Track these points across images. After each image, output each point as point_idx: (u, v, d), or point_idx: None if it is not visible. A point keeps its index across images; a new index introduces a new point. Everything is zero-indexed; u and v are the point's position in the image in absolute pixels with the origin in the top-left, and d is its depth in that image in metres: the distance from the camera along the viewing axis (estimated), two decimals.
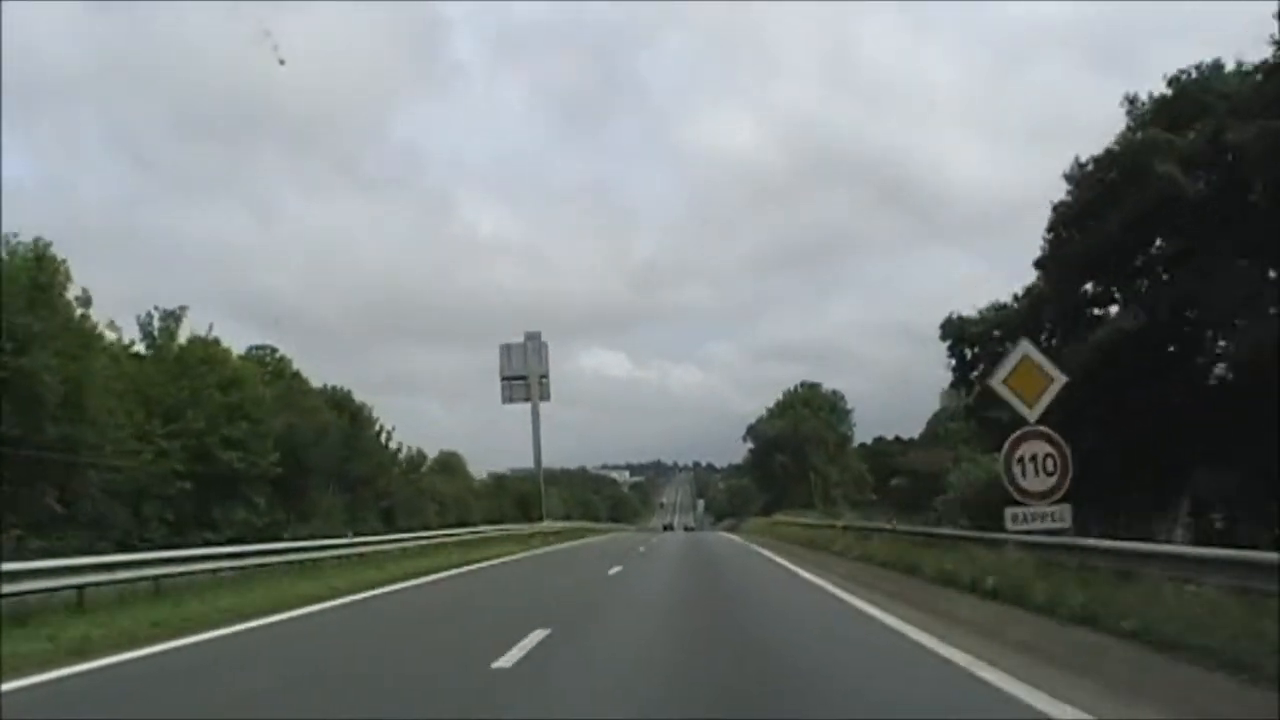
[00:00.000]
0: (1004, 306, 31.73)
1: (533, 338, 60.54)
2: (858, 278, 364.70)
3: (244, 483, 35.36)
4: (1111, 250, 26.62)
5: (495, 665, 8.30)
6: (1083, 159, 28.14)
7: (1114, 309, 28.86)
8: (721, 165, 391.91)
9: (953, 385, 36.76)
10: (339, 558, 25.05)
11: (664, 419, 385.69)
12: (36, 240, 27.55)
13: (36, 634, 10.57)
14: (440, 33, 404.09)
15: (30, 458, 24.54)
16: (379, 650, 10.66)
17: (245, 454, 35.15)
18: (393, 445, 56.74)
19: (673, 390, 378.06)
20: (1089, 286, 29.20)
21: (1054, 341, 27.67)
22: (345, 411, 48.61)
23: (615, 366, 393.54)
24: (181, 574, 16.60)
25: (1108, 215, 26.34)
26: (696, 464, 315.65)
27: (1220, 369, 26.11)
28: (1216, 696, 6.60)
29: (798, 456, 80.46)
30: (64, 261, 27.92)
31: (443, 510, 64.52)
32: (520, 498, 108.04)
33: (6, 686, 7.52)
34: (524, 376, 57.62)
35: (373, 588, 18.85)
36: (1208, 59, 26.47)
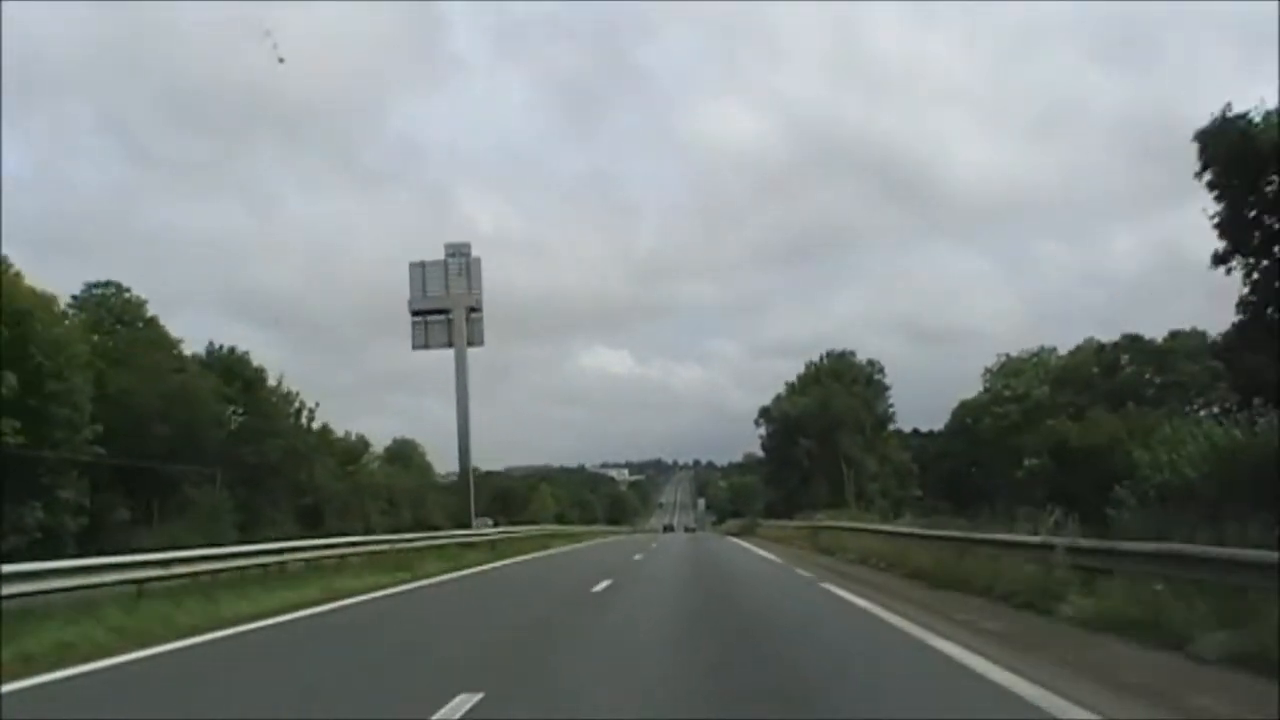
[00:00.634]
0: None
1: (458, 252, 39.21)
2: (861, 272, 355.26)
3: (44, 470, 23.76)
4: None
5: None
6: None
7: None
8: (724, 158, 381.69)
9: (1222, 256, 24.99)
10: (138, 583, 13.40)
11: (664, 417, 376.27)
12: None
13: None
14: (439, 24, 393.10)
15: None
16: None
17: (48, 424, 23.59)
18: (337, 433, 45.49)
19: (674, 388, 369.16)
20: None
21: None
22: (237, 380, 36.69)
23: (616, 364, 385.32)
24: None
25: None
26: (697, 462, 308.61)
27: None
28: None
29: (827, 442, 61.75)
30: None
31: (393, 509, 53.08)
32: (500, 494, 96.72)
33: None
34: (445, 310, 35.35)
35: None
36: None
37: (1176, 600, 8.33)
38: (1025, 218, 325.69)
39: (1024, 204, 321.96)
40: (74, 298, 28.96)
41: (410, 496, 57.87)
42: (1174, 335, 52.30)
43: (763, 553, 31.74)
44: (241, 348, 37.02)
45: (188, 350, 35.79)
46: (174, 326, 36.92)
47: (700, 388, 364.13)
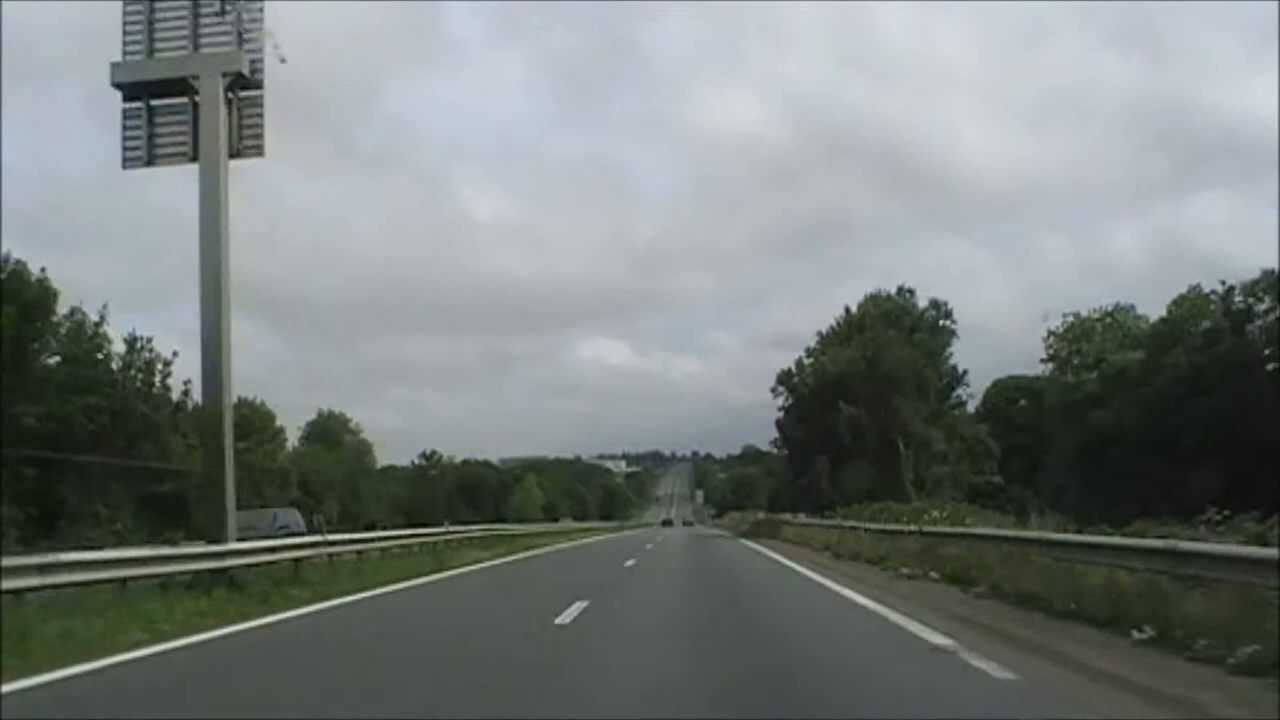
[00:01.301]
0: None
1: None
2: (862, 264, 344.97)
3: None
4: None
5: None
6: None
7: None
8: (726, 146, 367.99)
9: None
10: None
11: (663, 409, 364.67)
12: None
13: None
14: (437, 5, 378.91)
15: None
16: None
17: None
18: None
19: (672, 380, 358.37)
20: None
21: None
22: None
23: (614, 355, 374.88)
24: None
25: None
26: (695, 454, 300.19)
27: None
28: None
29: (877, 409, 44.70)
30: None
31: (313, 500, 41.05)
32: (469, 485, 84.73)
33: None
34: (184, 85, 14.18)
35: None
36: None
37: None
38: (1028, 209, 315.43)
39: (1028, 195, 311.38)
40: None
41: (341, 485, 45.82)
42: None
43: (812, 575, 18.68)
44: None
45: None
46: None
47: (699, 380, 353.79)
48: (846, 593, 14.23)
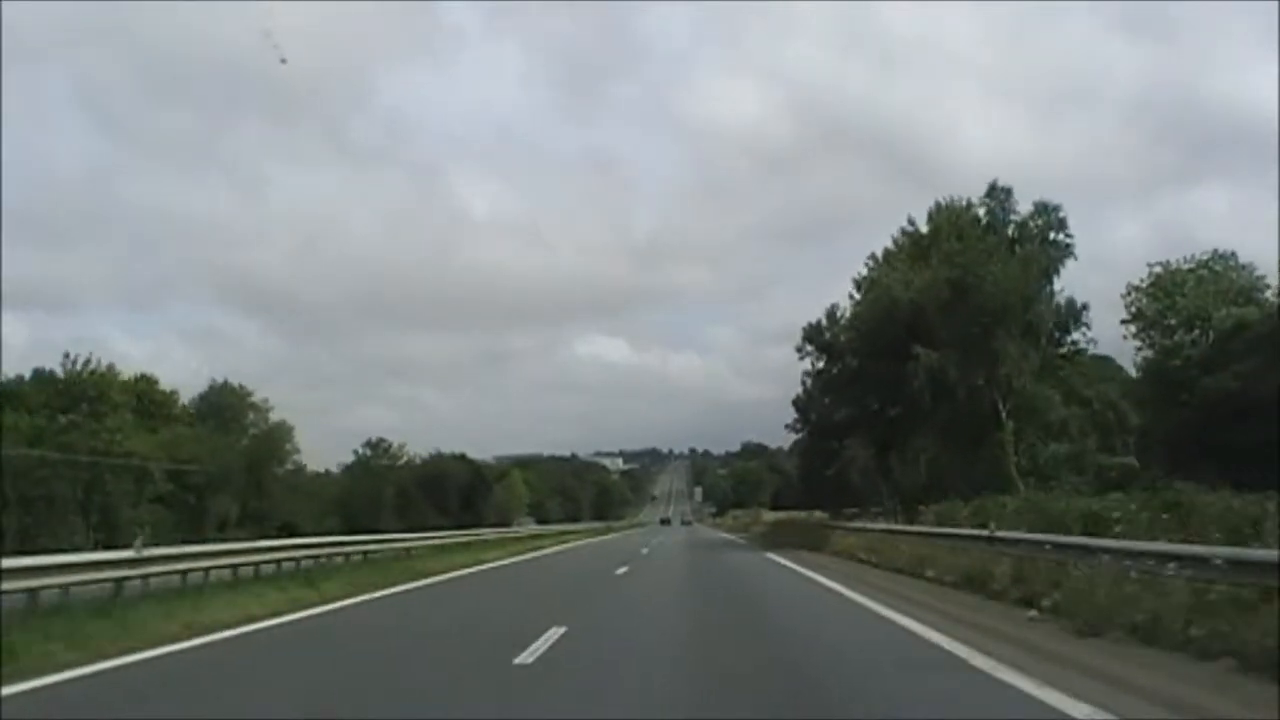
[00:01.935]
0: None
1: None
2: (863, 256, 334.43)
3: None
4: None
5: None
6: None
7: None
8: (726, 136, 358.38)
9: None
10: None
11: (661, 406, 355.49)
12: None
13: None
14: None
15: None
16: None
17: None
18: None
19: (671, 377, 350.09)
20: None
21: None
22: None
23: (613, 352, 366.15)
24: None
25: None
26: (693, 450, 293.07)
27: None
28: None
29: (969, 357, 29.33)
30: None
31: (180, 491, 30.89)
32: (431, 480, 73.76)
33: None
34: None
35: None
36: None
37: None
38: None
39: (1030, 185, 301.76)
40: None
41: (243, 479, 35.63)
42: None
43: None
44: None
45: None
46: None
47: (698, 377, 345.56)
48: None
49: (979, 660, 7.72)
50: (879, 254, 33.43)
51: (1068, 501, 17.09)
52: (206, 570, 15.44)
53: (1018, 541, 13.23)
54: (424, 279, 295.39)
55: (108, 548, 17.40)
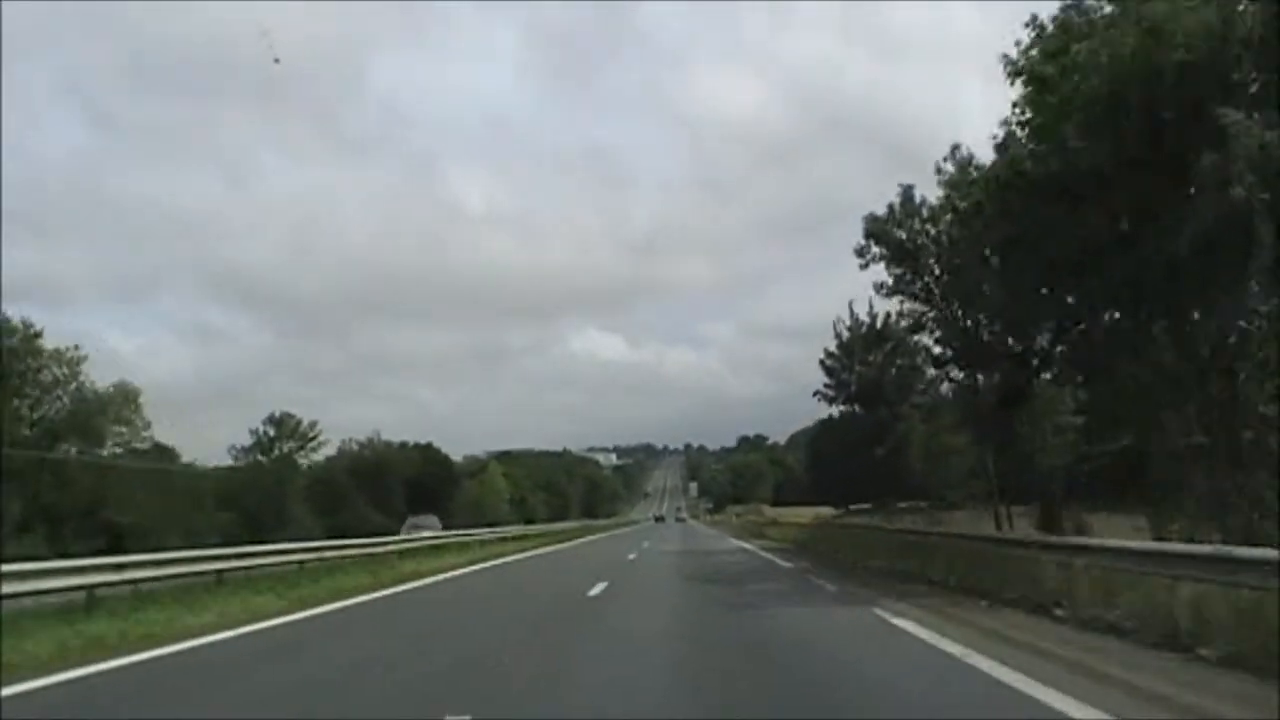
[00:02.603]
0: None
1: None
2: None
3: None
4: None
5: None
6: None
7: None
8: (724, 127, 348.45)
9: None
10: None
11: (656, 402, 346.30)
12: None
13: None
14: None
15: None
16: None
17: None
18: None
19: (666, 372, 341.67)
20: None
21: None
22: None
23: (607, 347, 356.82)
24: None
25: None
26: (688, 446, 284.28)
27: None
28: None
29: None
30: None
31: None
32: (369, 474, 62.20)
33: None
34: None
35: None
36: None
37: None
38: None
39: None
40: None
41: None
42: None
43: None
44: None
45: None
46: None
47: (693, 372, 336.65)
48: None
49: None
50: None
51: None
52: None
53: None
54: (417, 273, 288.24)
55: None
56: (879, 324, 31.54)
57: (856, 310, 32.40)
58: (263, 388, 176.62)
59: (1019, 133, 15.68)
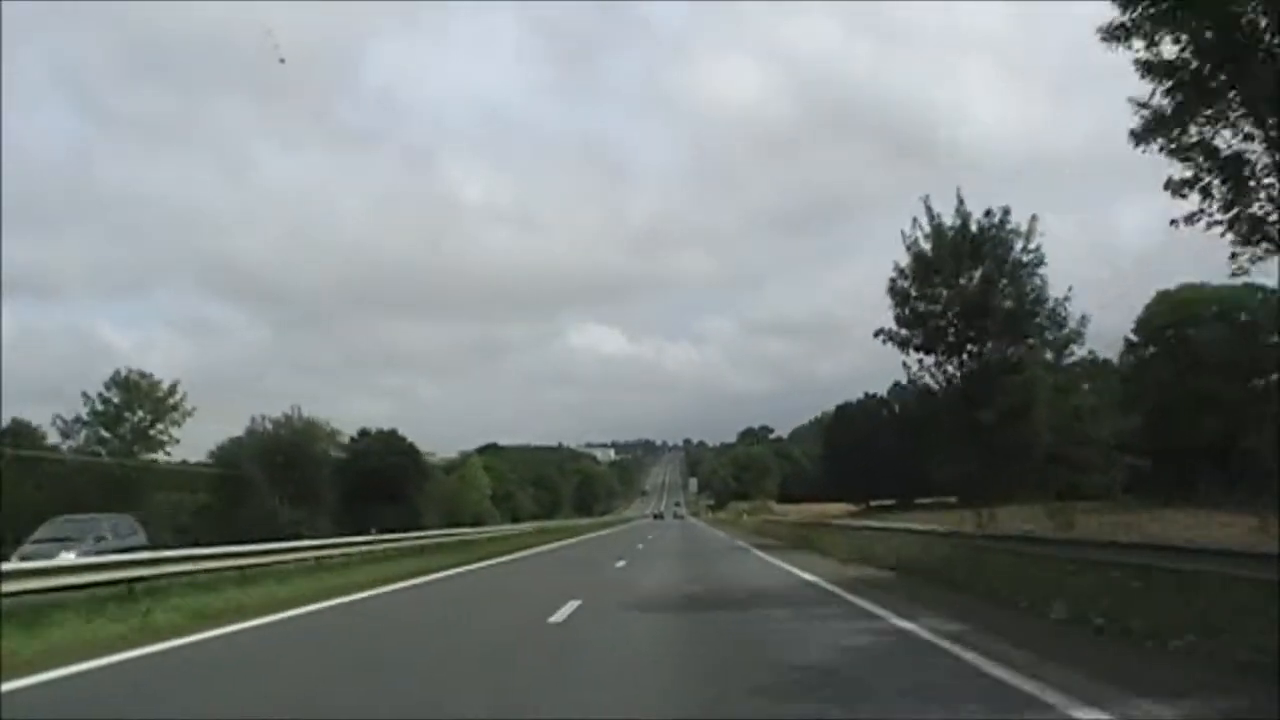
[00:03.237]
0: None
1: None
2: (864, 244, 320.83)
3: None
4: None
5: None
6: None
7: None
8: (725, 116, 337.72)
9: None
10: None
11: (655, 398, 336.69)
12: None
13: None
14: None
15: None
16: None
17: None
18: None
19: (665, 368, 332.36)
20: None
21: None
22: None
23: (607, 342, 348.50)
24: None
25: None
26: (688, 441, 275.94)
27: None
28: None
29: None
30: None
31: None
32: (278, 449, 50.05)
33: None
34: None
35: None
36: None
37: None
38: (1037, 183, 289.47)
39: (1039, 168, 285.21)
40: None
41: None
42: None
43: None
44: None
45: None
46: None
47: (692, 368, 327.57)
48: None
49: None
50: None
51: None
52: None
53: None
54: (415, 267, 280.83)
55: None
56: (974, 228, 21.22)
57: (938, 212, 22.01)
58: (258, 382, 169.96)
59: None
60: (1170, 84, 13.29)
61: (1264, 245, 13.41)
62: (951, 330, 21.84)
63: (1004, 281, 22.95)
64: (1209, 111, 13.15)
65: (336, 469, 66.34)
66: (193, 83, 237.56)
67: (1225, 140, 13.23)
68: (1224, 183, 13.24)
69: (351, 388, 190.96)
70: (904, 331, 22.44)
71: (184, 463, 46.52)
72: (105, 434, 42.39)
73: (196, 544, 18.44)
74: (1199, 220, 13.81)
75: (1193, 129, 13.35)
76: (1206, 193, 13.46)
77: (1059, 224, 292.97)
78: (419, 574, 17.30)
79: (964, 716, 4.78)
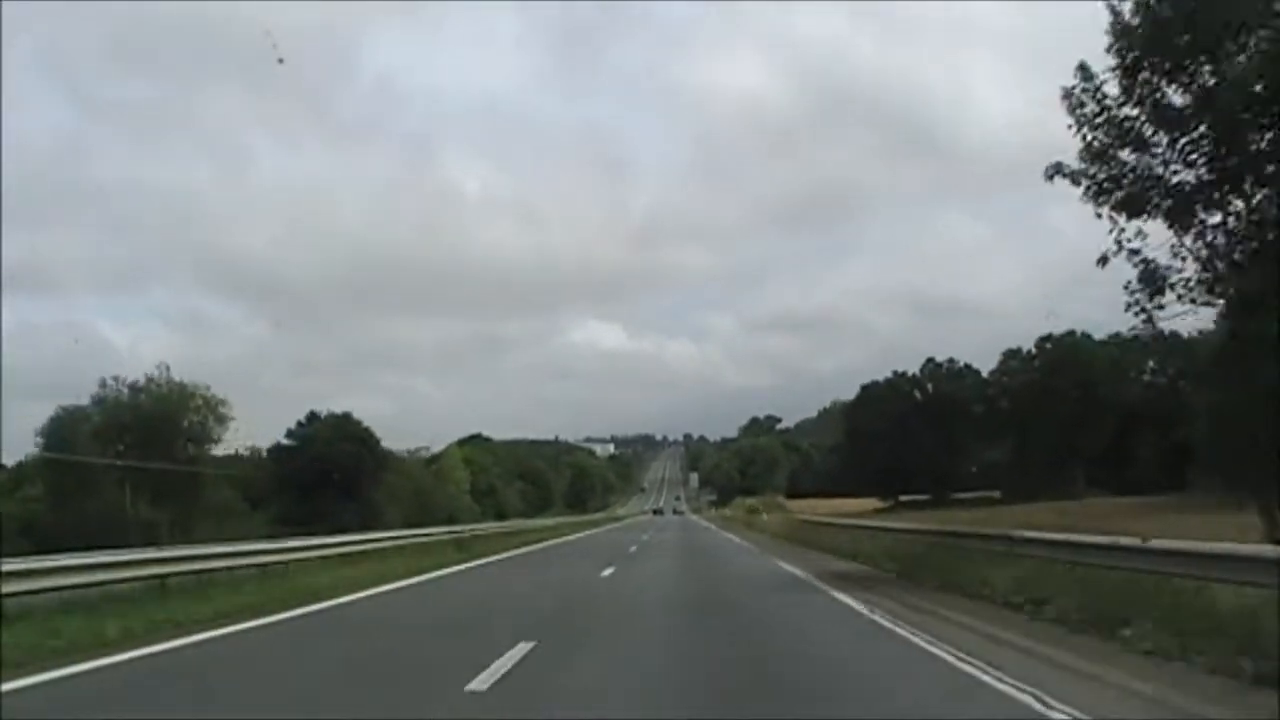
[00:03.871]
0: None
1: None
2: (866, 239, 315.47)
3: None
4: None
5: None
6: None
7: None
8: (727, 108, 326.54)
9: None
10: None
11: (655, 393, 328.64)
12: None
13: None
14: None
15: None
16: None
17: None
18: None
19: (666, 363, 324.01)
20: None
21: None
22: None
23: (607, 338, 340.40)
24: None
25: None
26: (688, 436, 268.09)
27: None
28: None
29: None
30: None
31: None
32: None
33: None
34: None
35: None
36: None
37: None
38: (1041, 178, 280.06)
39: (1045, 160, 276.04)
40: None
41: None
42: None
43: None
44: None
45: None
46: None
47: (693, 363, 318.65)
48: None
49: None
50: None
51: None
52: None
53: None
54: (413, 261, 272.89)
55: None
56: None
57: None
58: (255, 378, 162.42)
59: None
60: None
61: None
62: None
63: None
64: None
65: (277, 457, 56.75)
66: (183, 72, 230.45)
67: None
68: None
69: (347, 384, 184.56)
70: (1104, 174, 10.15)
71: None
72: None
73: None
74: None
75: None
76: None
77: None
78: (291, 604, 11.08)
79: None
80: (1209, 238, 10.28)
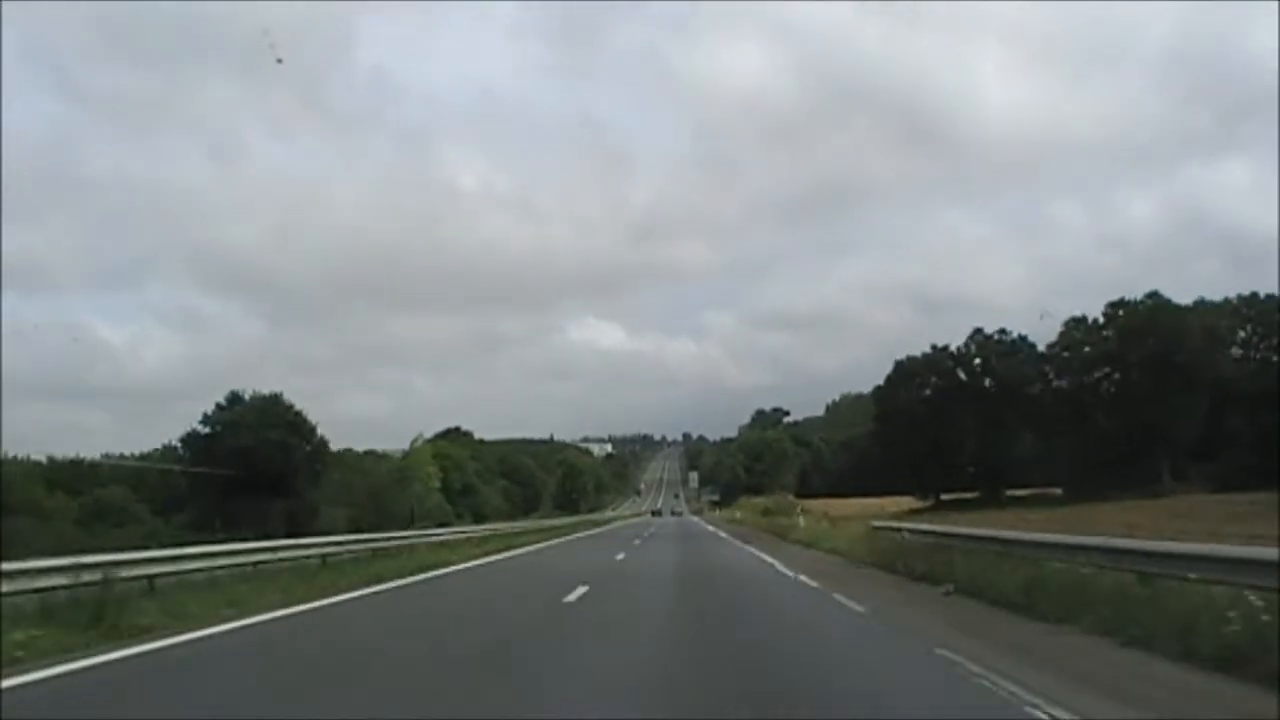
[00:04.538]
0: None
1: None
2: (869, 234, 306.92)
3: None
4: None
5: None
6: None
7: None
8: (728, 101, 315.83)
9: None
10: None
11: (654, 393, 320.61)
12: None
13: None
14: None
15: None
16: None
17: None
18: None
19: (665, 363, 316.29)
20: None
21: None
22: None
23: (606, 336, 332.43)
24: None
25: None
26: (687, 436, 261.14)
27: None
28: None
29: None
30: None
31: None
32: None
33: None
34: None
35: None
36: None
37: None
38: (1046, 173, 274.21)
39: (1047, 157, 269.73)
40: None
41: None
42: None
43: None
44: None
45: None
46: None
47: (692, 362, 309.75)
48: None
49: None
50: None
51: None
52: None
53: None
54: (410, 256, 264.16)
55: None
56: None
57: None
58: (252, 376, 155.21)
59: None
60: None
61: None
62: None
63: None
64: None
65: (194, 448, 46.54)
66: (175, 62, 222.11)
67: None
68: None
69: (344, 382, 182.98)
70: None
71: None
72: None
73: None
74: None
75: None
76: None
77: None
78: None
79: None
80: None
